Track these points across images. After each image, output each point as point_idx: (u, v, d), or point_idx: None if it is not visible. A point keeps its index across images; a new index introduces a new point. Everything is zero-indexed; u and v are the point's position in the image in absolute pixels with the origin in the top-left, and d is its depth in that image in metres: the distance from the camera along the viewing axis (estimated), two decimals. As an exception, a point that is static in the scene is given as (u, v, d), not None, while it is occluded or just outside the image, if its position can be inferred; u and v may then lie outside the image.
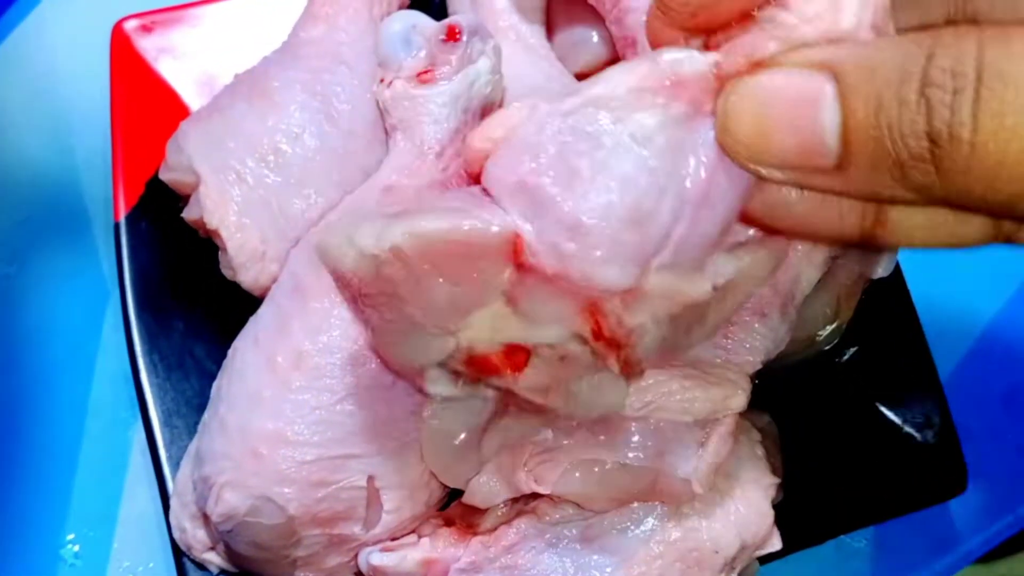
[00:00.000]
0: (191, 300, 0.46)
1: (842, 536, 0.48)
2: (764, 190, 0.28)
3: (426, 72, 0.40)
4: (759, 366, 0.38)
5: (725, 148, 0.27)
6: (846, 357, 0.47)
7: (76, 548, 0.47)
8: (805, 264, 0.39)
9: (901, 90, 0.24)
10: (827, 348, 0.46)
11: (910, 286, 0.48)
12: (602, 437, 0.36)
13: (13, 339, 0.50)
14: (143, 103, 0.48)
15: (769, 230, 0.29)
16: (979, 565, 0.53)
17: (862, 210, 0.28)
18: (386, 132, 0.42)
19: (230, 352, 0.40)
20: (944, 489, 0.46)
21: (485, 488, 0.38)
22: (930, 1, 0.29)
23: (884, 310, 0.48)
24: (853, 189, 0.26)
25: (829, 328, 0.45)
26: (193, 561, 0.42)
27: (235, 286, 0.43)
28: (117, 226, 0.46)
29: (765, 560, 0.43)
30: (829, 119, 0.25)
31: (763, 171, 0.27)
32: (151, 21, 0.50)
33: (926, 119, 0.23)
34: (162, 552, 0.46)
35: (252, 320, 0.40)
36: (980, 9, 0.27)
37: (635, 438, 0.36)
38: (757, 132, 0.27)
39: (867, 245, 0.29)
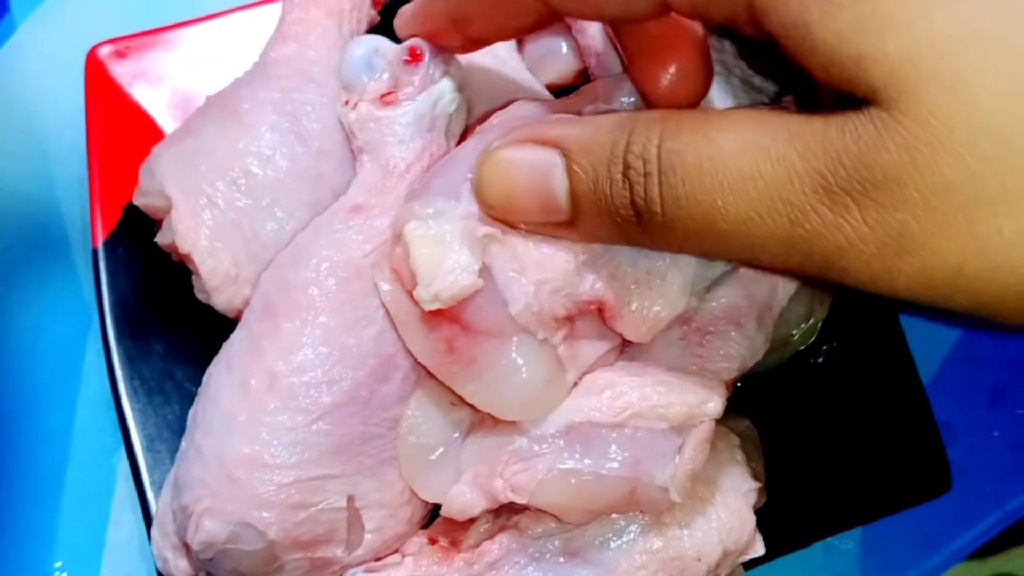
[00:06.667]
0: (171, 324, 0.46)
1: (830, 538, 0.48)
2: None
3: (389, 94, 0.40)
4: (735, 374, 0.38)
5: (481, 209, 0.35)
6: (821, 358, 0.47)
7: (64, 575, 0.47)
8: (781, 276, 0.40)
9: (610, 170, 0.30)
10: (802, 348, 0.46)
11: (890, 286, 0.48)
12: (578, 446, 0.36)
13: (-3, 367, 0.50)
14: (118, 128, 0.48)
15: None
16: (974, 561, 0.53)
17: None
18: (352, 153, 0.42)
19: (204, 378, 0.40)
20: (928, 489, 0.46)
21: (462, 499, 0.38)
22: None
23: (864, 311, 0.48)
24: (585, 239, 0.34)
25: (803, 327, 0.45)
26: (177, 590, 0.42)
27: (214, 309, 0.43)
28: (95, 252, 0.47)
29: (751, 565, 0.43)
30: (559, 186, 0.32)
31: (520, 227, 0.35)
32: (125, 46, 0.50)
33: (630, 195, 0.30)
34: (149, 576, 0.46)
35: (225, 345, 0.40)
36: None
37: (611, 447, 0.36)
38: (505, 196, 0.34)
39: None
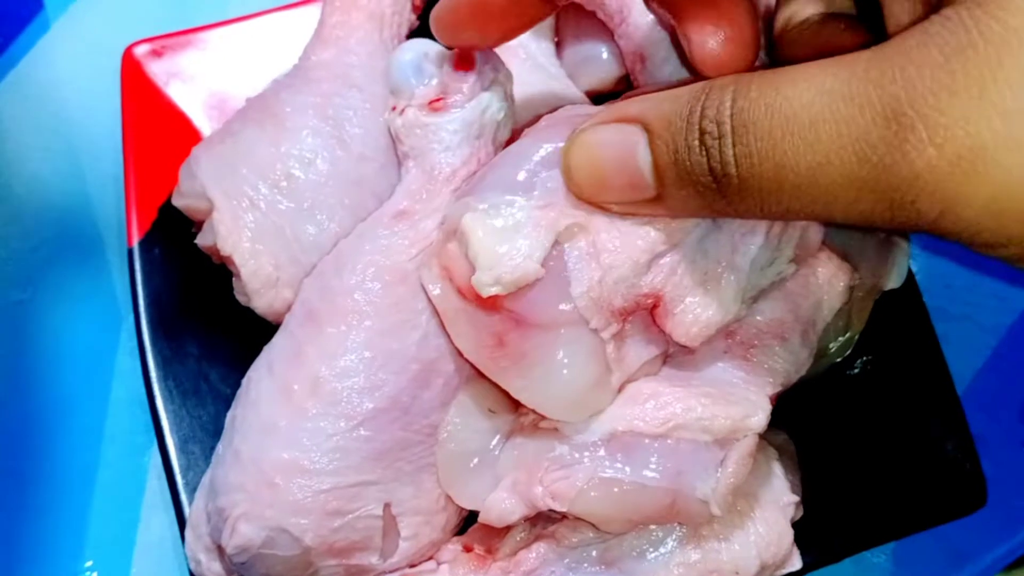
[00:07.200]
0: (206, 325, 0.46)
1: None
2: None
3: (438, 100, 0.40)
4: (779, 388, 0.38)
5: (571, 192, 0.35)
6: (857, 370, 0.47)
7: (95, 575, 0.47)
8: (827, 291, 0.39)
9: (687, 138, 0.30)
10: (839, 360, 0.45)
11: (926, 299, 0.48)
12: (619, 455, 0.36)
13: (28, 365, 0.50)
14: (154, 128, 0.48)
15: None
16: (1006, 574, 0.53)
17: None
18: (398, 158, 0.42)
19: (244, 382, 0.40)
20: (964, 504, 0.46)
21: (500, 505, 0.38)
22: None
23: (900, 324, 0.47)
24: (673, 213, 0.34)
25: (841, 340, 0.44)
26: (210, 592, 0.42)
27: (250, 310, 0.43)
28: (130, 252, 0.46)
29: (785, 578, 0.43)
30: (644, 161, 0.32)
31: (610, 207, 0.35)
32: (161, 46, 0.50)
33: (707, 161, 0.29)
34: (180, 577, 0.46)
35: (266, 349, 0.40)
36: None
37: (653, 457, 0.36)
38: (594, 178, 0.34)
39: None
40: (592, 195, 0.35)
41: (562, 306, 0.35)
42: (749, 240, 0.36)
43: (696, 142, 0.30)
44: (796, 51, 0.37)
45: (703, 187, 0.30)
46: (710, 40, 0.35)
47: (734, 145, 0.29)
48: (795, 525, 0.41)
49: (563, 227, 0.35)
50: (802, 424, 0.45)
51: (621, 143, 0.32)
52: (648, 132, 0.31)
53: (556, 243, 0.35)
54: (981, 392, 0.52)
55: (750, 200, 0.29)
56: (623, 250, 0.35)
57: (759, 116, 0.28)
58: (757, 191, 0.29)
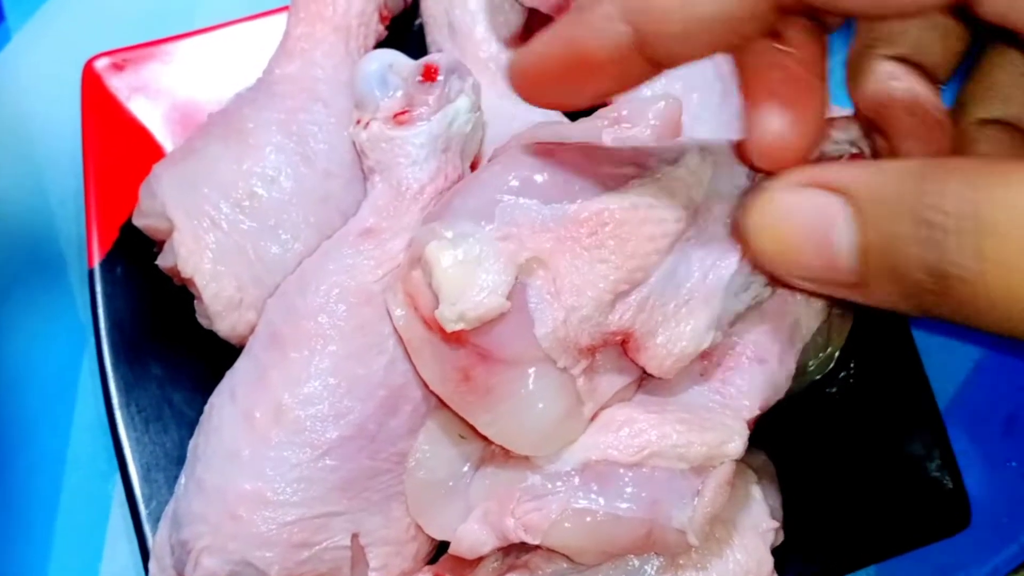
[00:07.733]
0: (168, 347, 0.45)
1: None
2: None
3: (403, 113, 0.39)
4: (757, 412, 0.37)
5: (753, 258, 0.31)
6: (836, 388, 0.46)
7: (57, 606, 0.45)
8: (804, 311, 0.39)
9: (904, 224, 0.25)
10: (818, 378, 0.44)
11: (906, 314, 0.47)
12: (593, 485, 0.35)
13: (-11, 387, 0.48)
14: (116, 144, 0.47)
15: None
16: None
17: None
18: (363, 173, 0.41)
19: (206, 408, 0.39)
20: (947, 525, 0.45)
21: (472, 537, 0.36)
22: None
23: (880, 339, 0.46)
24: (874, 302, 0.28)
25: (820, 357, 0.44)
26: (174, 623, 0.40)
27: (214, 332, 0.42)
28: (91, 273, 0.45)
29: (766, 602, 0.42)
30: (845, 240, 0.27)
31: (794, 282, 0.30)
32: (122, 59, 0.48)
33: (927, 256, 0.25)
34: (144, 608, 0.45)
35: (229, 374, 0.39)
36: None
37: (628, 487, 0.35)
38: (779, 245, 0.29)
39: None
40: (777, 267, 0.30)
41: (528, 342, 0.34)
42: (721, 266, 0.35)
43: (914, 231, 0.25)
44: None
45: (917, 285, 0.26)
46: (771, 122, 0.30)
47: (967, 245, 0.24)
48: (776, 548, 0.40)
49: (522, 260, 0.34)
50: (782, 444, 0.43)
51: (816, 213, 0.28)
52: (853, 207, 0.27)
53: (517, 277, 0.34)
54: (964, 407, 0.51)
55: (977, 311, 0.25)
56: (585, 289, 0.34)
57: (1000, 217, 0.24)
58: (988, 302, 0.24)
